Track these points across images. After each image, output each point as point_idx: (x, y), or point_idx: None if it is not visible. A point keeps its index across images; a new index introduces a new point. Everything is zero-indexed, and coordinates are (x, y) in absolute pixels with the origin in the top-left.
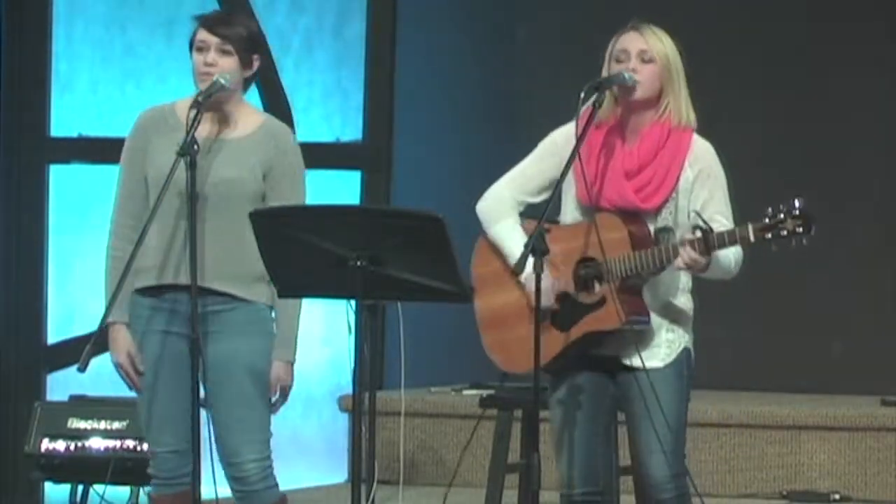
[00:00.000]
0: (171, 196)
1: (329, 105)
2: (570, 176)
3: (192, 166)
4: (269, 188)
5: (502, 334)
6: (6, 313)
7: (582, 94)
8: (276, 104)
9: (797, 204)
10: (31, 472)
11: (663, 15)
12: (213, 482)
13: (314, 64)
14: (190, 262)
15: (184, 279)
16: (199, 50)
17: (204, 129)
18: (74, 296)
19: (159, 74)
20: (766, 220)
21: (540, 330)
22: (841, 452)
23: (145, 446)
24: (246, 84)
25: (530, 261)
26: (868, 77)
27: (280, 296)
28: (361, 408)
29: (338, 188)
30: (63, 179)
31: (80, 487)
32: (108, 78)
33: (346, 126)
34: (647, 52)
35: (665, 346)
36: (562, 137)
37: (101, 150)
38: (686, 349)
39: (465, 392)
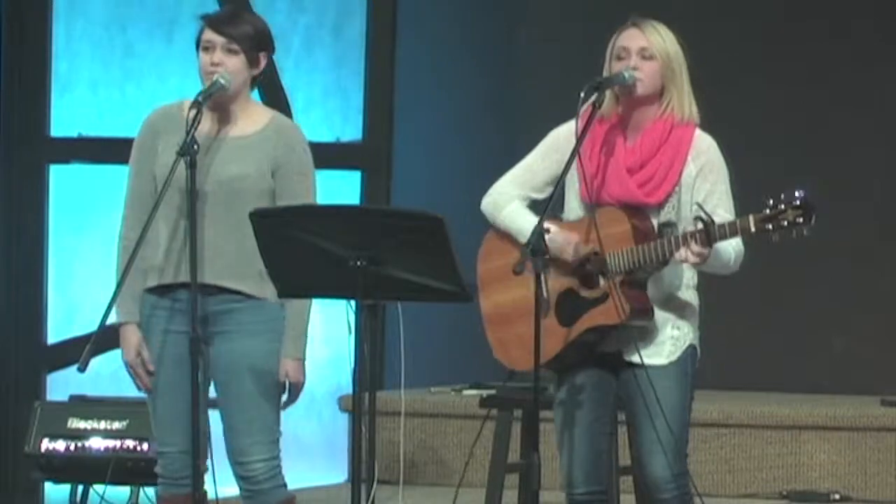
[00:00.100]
0: (177, 195)
1: (329, 105)
2: (573, 173)
3: (192, 166)
4: (277, 185)
5: (506, 332)
6: (6, 313)
7: (582, 94)
8: (276, 104)
9: (798, 194)
10: (31, 472)
11: (663, 9)
12: (214, 482)
13: (314, 64)
14: (190, 261)
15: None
16: (206, 49)
17: (211, 128)
18: (74, 296)
19: (159, 74)
20: (767, 211)
21: (543, 326)
22: (841, 452)
23: (145, 446)
24: (253, 82)
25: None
26: (869, 73)
27: (280, 296)
28: (361, 408)
29: (338, 188)
30: (63, 179)
31: (80, 487)
32: (108, 78)
33: (346, 126)
34: (647, 49)
35: (670, 343)
36: (565, 133)
37: (101, 150)
38: (691, 346)
39: (465, 392)
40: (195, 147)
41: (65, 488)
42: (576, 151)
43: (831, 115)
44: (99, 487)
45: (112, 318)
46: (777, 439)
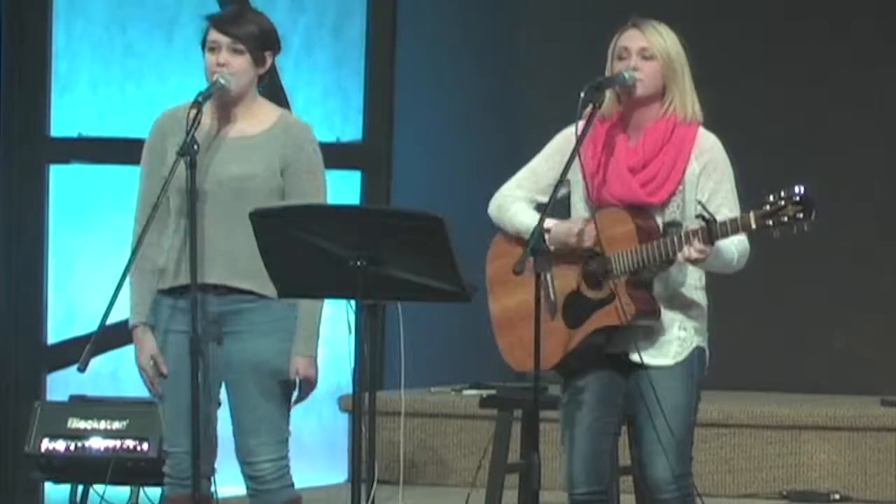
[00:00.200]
0: (187, 196)
1: (329, 105)
2: (578, 174)
3: (191, 166)
4: (287, 184)
5: (513, 335)
6: (6, 313)
7: (582, 94)
8: (276, 104)
9: (798, 190)
10: (31, 472)
11: (663, 10)
12: (214, 482)
13: (314, 64)
14: (190, 261)
15: (208, 279)
16: (211, 50)
17: (219, 128)
18: (74, 296)
19: (159, 74)
20: (767, 207)
21: (549, 328)
22: (841, 452)
23: (145, 446)
24: (260, 81)
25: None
26: (869, 73)
27: (280, 296)
28: (361, 408)
29: (338, 188)
30: (63, 179)
31: (80, 487)
32: (108, 78)
33: (346, 126)
34: (647, 50)
35: (676, 344)
36: (569, 136)
37: (101, 150)
38: (699, 348)
39: (465, 392)
40: (195, 147)
41: (65, 488)
42: (576, 151)
43: (831, 115)
44: (99, 487)
45: (112, 320)
46: (777, 439)
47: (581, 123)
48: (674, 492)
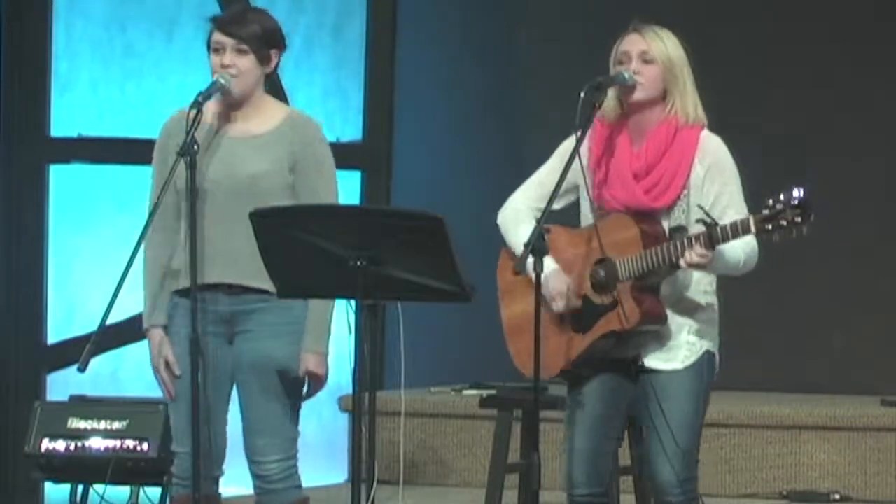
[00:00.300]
0: (202, 196)
1: (329, 105)
2: (584, 181)
3: (191, 166)
4: (296, 181)
5: (522, 342)
6: (6, 313)
7: (582, 95)
8: None
9: (795, 194)
10: (31, 472)
11: (664, 12)
12: (215, 482)
13: (314, 64)
14: (190, 261)
15: (218, 278)
16: (216, 51)
17: (226, 128)
18: (74, 296)
19: (159, 74)
20: (766, 211)
21: (557, 334)
22: (841, 452)
23: (145, 446)
24: (267, 79)
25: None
26: (870, 74)
27: (280, 296)
28: (361, 408)
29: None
30: (63, 179)
31: (80, 487)
32: (108, 77)
33: (346, 126)
34: (647, 53)
35: (685, 349)
36: (574, 144)
37: (101, 150)
38: (708, 352)
39: (465, 392)
40: (195, 147)
41: (65, 488)
42: (575, 152)
43: (831, 117)
44: (99, 487)
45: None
46: (777, 439)
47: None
48: (679, 495)
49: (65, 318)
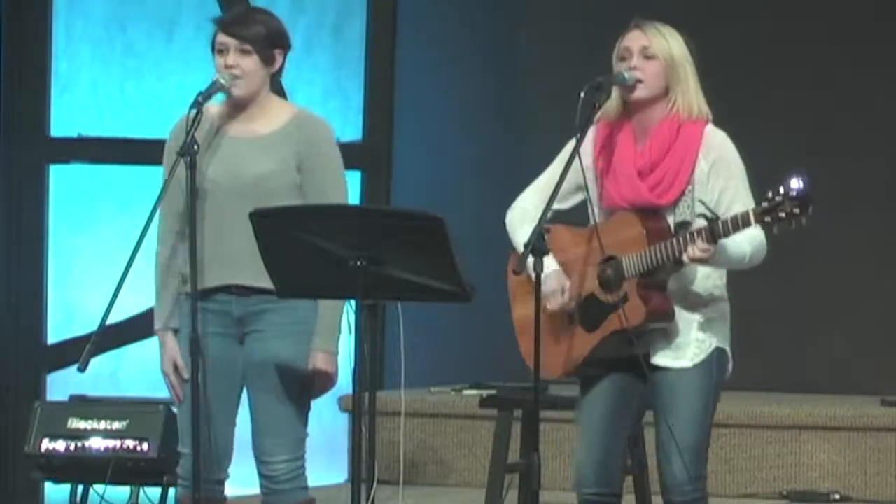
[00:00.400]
0: (205, 198)
1: (329, 105)
2: (590, 180)
3: (191, 166)
4: (304, 179)
5: (532, 342)
6: (6, 313)
7: (582, 95)
8: None
9: (794, 185)
10: (31, 472)
11: (664, 12)
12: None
13: (314, 64)
14: (190, 261)
15: (229, 279)
16: (220, 52)
17: (233, 129)
18: (74, 296)
19: (159, 74)
20: (765, 204)
21: (567, 334)
22: (841, 452)
23: (145, 446)
24: (273, 80)
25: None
26: (870, 74)
27: (280, 296)
28: (361, 408)
29: None
30: (63, 179)
31: (80, 487)
32: (108, 77)
33: (346, 126)
34: (648, 49)
35: (694, 346)
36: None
37: (101, 150)
38: (718, 350)
39: (465, 392)
40: (195, 147)
41: (65, 488)
42: (575, 152)
43: (832, 116)
44: (99, 487)
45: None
46: (777, 439)
47: (589, 131)
48: (689, 494)
49: (65, 318)
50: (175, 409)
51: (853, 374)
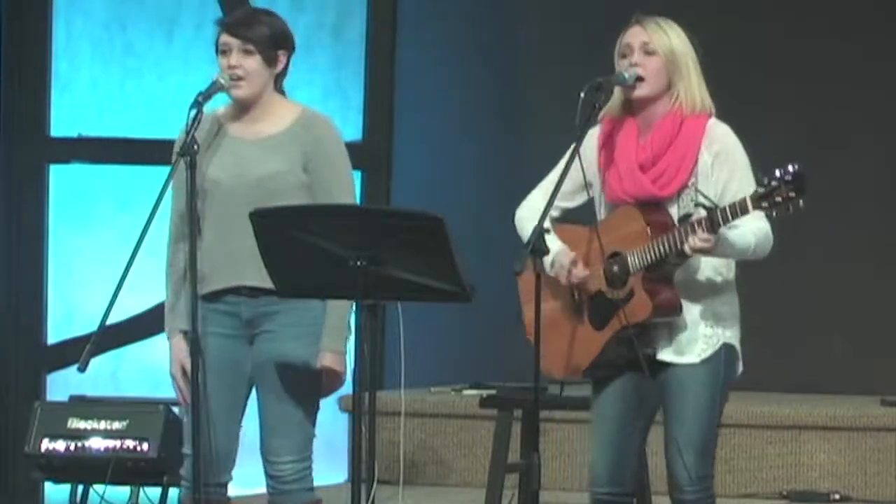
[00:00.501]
0: (212, 199)
1: (329, 105)
2: (595, 176)
3: (191, 166)
4: (311, 179)
5: (548, 344)
6: (6, 313)
7: (582, 95)
8: None
9: (790, 169)
10: (31, 472)
11: (665, 8)
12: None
13: (314, 64)
14: (189, 261)
15: (237, 281)
16: (223, 53)
17: (239, 129)
18: (74, 296)
19: (159, 73)
20: (762, 189)
21: (577, 334)
22: (841, 452)
23: (145, 446)
24: (278, 79)
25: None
26: (872, 72)
27: (280, 296)
28: (361, 408)
29: None
30: (63, 179)
31: (80, 487)
32: (108, 77)
33: (346, 126)
34: (649, 45)
35: (702, 342)
36: (586, 141)
37: (101, 150)
38: (726, 346)
39: (465, 392)
40: (195, 147)
41: (65, 488)
42: (575, 151)
43: (832, 113)
44: (99, 487)
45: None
46: (777, 439)
47: (595, 129)
48: (692, 493)
49: (65, 318)
50: (176, 410)
51: (853, 374)
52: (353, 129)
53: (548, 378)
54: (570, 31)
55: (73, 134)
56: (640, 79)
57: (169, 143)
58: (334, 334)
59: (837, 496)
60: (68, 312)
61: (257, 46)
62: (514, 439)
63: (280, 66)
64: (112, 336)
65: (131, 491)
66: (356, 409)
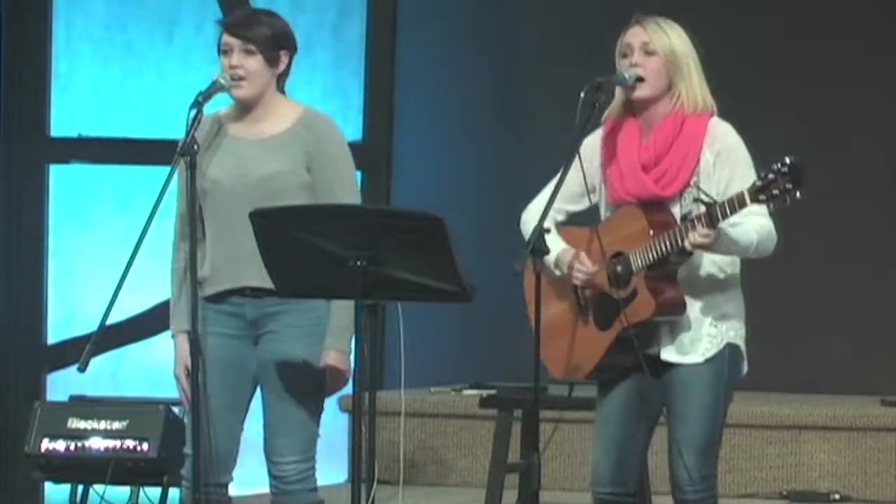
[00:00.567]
0: (214, 200)
1: (329, 105)
2: (598, 177)
3: (191, 166)
4: (314, 179)
5: (549, 343)
6: (6, 313)
7: (582, 95)
8: None
9: (787, 161)
10: (31, 472)
11: (664, 10)
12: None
13: (314, 64)
14: (189, 261)
15: (241, 282)
16: (225, 53)
17: (241, 130)
18: (74, 296)
19: (159, 73)
20: (759, 182)
21: (582, 335)
22: (841, 452)
23: (145, 446)
24: (280, 80)
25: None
26: (872, 72)
27: (279, 296)
28: (361, 408)
29: None
30: (63, 179)
31: (80, 487)
32: (108, 77)
33: (346, 126)
34: (649, 45)
35: (706, 341)
36: (589, 143)
37: (101, 150)
38: (730, 345)
39: (465, 392)
40: (195, 147)
41: (65, 488)
42: (576, 151)
43: (832, 113)
44: (99, 487)
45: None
46: (777, 439)
47: (597, 132)
48: (694, 493)
49: (65, 318)
50: (177, 410)
51: (853, 374)
52: (353, 129)
53: (554, 379)
54: (570, 31)
55: (73, 134)
56: (640, 79)
57: (169, 143)
58: (339, 334)
59: (837, 496)
60: (68, 312)
61: (258, 46)
62: (514, 439)
63: (282, 67)
64: (112, 336)
65: (131, 491)
66: (356, 409)
